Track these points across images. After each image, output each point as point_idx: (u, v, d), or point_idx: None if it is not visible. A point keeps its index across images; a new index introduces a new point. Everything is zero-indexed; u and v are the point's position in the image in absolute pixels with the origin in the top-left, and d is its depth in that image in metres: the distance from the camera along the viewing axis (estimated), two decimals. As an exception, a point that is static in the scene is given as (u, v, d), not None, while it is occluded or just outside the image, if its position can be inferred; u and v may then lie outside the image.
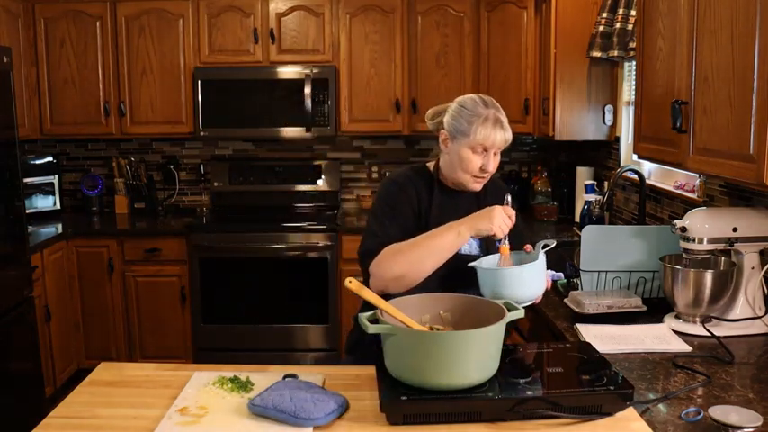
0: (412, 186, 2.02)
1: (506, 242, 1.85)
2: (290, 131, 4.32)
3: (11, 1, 4.03)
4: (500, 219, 1.83)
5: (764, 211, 2.17)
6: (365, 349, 1.95)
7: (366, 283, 1.92)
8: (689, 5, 2.08)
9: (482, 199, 2.05)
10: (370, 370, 1.68)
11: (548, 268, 1.89)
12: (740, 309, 2.13)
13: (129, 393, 1.67)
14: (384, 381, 1.55)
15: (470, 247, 2.03)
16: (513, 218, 1.86)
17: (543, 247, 1.86)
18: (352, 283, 1.64)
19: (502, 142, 1.92)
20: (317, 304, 4.14)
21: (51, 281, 3.88)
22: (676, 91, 2.18)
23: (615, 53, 3.28)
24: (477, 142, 1.90)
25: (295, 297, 4.16)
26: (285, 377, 1.68)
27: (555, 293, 2.58)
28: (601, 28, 3.39)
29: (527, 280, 1.79)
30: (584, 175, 4.01)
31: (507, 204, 1.90)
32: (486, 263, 1.88)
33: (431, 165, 2.09)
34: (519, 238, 2.00)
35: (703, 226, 2.10)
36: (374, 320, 1.59)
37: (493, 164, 1.94)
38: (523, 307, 1.69)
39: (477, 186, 2.00)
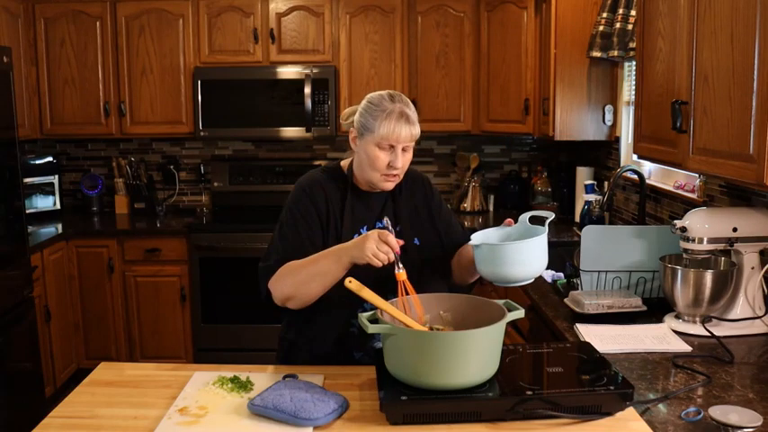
0: (321, 191, 1.92)
1: (399, 268, 1.68)
2: (290, 131, 4.32)
3: (11, 1, 4.03)
4: (372, 247, 1.65)
5: (764, 211, 2.17)
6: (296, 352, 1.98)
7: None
8: (689, 5, 2.08)
9: (398, 198, 1.97)
10: (371, 370, 1.68)
11: (547, 269, 1.89)
12: (740, 309, 2.13)
13: (129, 393, 1.68)
14: (384, 381, 1.55)
15: None
16: (391, 241, 1.66)
17: (533, 221, 1.78)
18: (352, 283, 1.64)
19: (408, 137, 1.82)
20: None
21: (51, 281, 3.88)
22: (676, 91, 2.18)
23: (615, 53, 3.28)
24: (382, 137, 1.81)
25: (295, 297, 4.15)
26: (285, 377, 1.68)
27: (555, 293, 2.58)
28: (601, 28, 3.39)
29: (531, 255, 1.67)
30: (584, 175, 4.01)
31: (387, 226, 1.77)
32: (484, 237, 1.77)
33: (345, 163, 2.00)
34: (452, 237, 1.99)
35: (703, 226, 2.10)
36: (374, 320, 1.59)
37: (401, 160, 1.84)
38: (523, 284, 1.68)
39: (389, 185, 1.89)
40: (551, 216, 1.78)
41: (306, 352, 2.00)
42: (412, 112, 1.86)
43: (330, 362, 1.87)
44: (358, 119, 1.88)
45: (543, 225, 1.74)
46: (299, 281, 1.80)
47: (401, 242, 1.70)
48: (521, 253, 1.67)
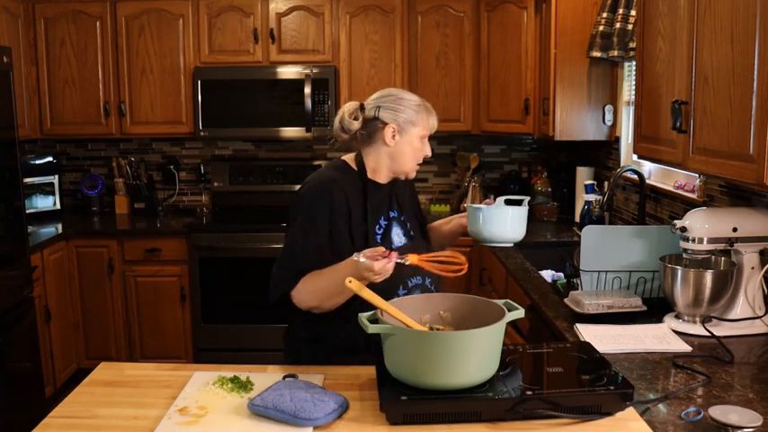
0: (339, 190, 1.93)
1: (405, 259, 1.74)
2: (290, 131, 4.32)
3: (11, 1, 4.03)
4: (372, 272, 1.69)
5: (764, 211, 2.17)
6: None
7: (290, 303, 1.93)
8: (689, 6, 2.08)
9: (396, 187, 2.07)
10: (370, 370, 1.68)
11: (548, 269, 1.93)
12: (740, 309, 2.13)
13: (129, 393, 1.67)
14: (384, 381, 1.55)
15: (399, 237, 2.02)
16: (389, 270, 1.71)
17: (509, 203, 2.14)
18: (352, 283, 1.64)
19: (434, 128, 2.03)
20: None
21: (51, 281, 3.88)
22: (676, 91, 2.18)
23: (615, 53, 3.28)
24: (426, 129, 1.98)
25: (295, 297, 4.15)
26: (285, 377, 1.68)
27: (555, 293, 2.58)
28: (601, 28, 3.39)
29: (511, 221, 2.08)
30: (584, 175, 4.01)
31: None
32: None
33: (349, 159, 2.03)
34: (425, 218, 2.18)
35: (703, 226, 2.10)
36: (374, 320, 1.59)
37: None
38: (502, 246, 2.02)
39: (415, 173, 2.05)
40: (527, 198, 2.18)
41: (329, 346, 1.95)
42: None
43: (359, 355, 1.84)
44: (397, 115, 1.94)
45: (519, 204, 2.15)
46: (324, 295, 1.86)
47: (380, 250, 1.73)
48: (508, 217, 2.08)
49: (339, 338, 1.94)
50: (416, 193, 2.22)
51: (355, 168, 2.00)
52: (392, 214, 2.02)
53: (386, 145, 1.96)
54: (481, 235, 2.09)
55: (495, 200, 2.15)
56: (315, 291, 1.87)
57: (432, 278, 1.98)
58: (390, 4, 4.29)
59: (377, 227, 1.98)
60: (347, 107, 1.98)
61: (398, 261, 1.72)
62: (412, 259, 1.75)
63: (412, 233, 2.06)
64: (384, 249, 1.72)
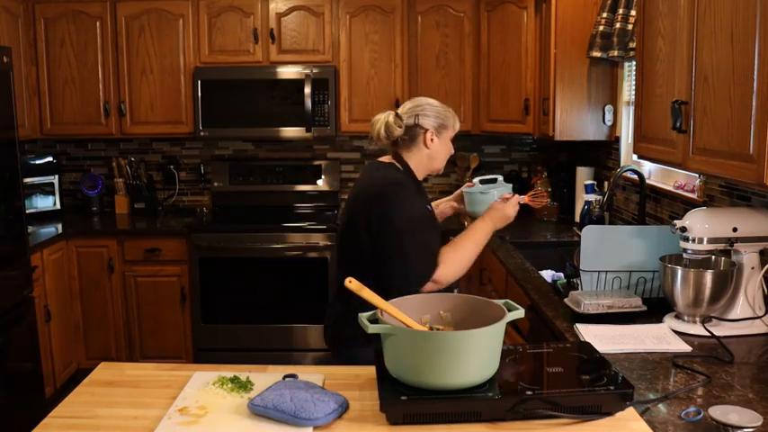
0: (411, 185, 2.29)
1: (522, 198, 2.40)
2: (290, 131, 4.32)
3: (11, 1, 4.03)
4: (508, 214, 2.34)
5: (764, 211, 2.17)
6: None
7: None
8: (689, 6, 2.08)
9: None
10: (370, 370, 1.68)
11: (548, 269, 1.93)
12: (740, 309, 2.13)
13: (129, 393, 1.67)
14: (384, 381, 1.55)
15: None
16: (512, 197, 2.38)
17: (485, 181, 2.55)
18: (352, 283, 1.64)
19: (458, 128, 2.39)
20: (317, 304, 4.13)
21: (51, 281, 3.88)
22: (676, 91, 2.18)
23: (615, 53, 3.28)
24: (454, 131, 2.35)
25: (295, 297, 4.16)
26: (285, 377, 1.68)
27: (555, 293, 2.58)
28: (601, 28, 3.39)
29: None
30: (584, 175, 4.01)
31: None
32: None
33: (388, 160, 2.34)
34: None
35: (703, 226, 2.10)
36: (374, 320, 1.59)
37: None
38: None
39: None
40: (500, 177, 2.58)
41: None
42: None
43: None
44: (434, 122, 2.27)
45: (495, 183, 2.53)
46: (469, 259, 2.27)
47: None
48: (489, 197, 2.43)
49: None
50: None
51: (401, 168, 2.30)
52: (429, 208, 2.37)
53: (426, 147, 2.29)
54: (481, 213, 2.42)
55: (474, 182, 2.56)
56: (460, 259, 2.24)
57: None
58: (390, 4, 4.29)
59: None
60: (389, 117, 2.25)
61: (520, 202, 2.35)
62: (525, 199, 2.41)
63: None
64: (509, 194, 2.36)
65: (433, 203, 2.52)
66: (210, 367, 1.80)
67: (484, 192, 2.46)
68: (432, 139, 2.28)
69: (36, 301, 3.60)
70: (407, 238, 2.15)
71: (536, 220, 4.18)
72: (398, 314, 1.62)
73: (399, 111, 2.28)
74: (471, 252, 2.26)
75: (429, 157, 2.31)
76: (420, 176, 2.34)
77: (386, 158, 2.35)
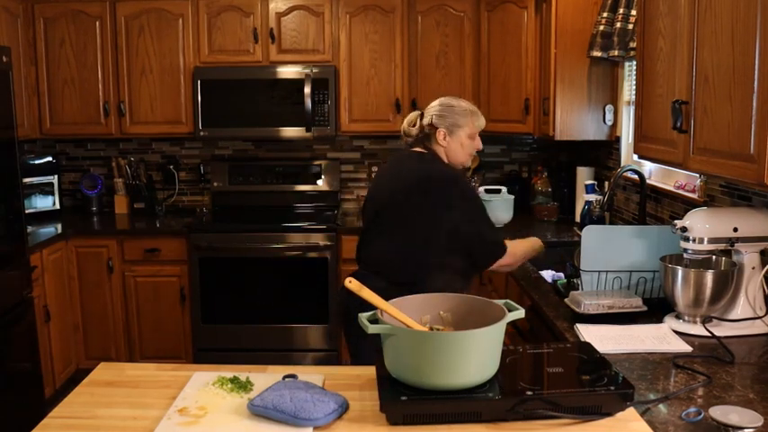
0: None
1: None
2: (290, 131, 4.32)
3: (10, 1, 4.02)
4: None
5: (765, 211, 2.17)
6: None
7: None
8: (689, 5, 2.08)
9: None
10: (371, 370, 1.67)
11: (548, 269, 1.92)
12: (741, 309, 2.12)
13: (129, 394, 1.67)
14: (384, 381, 1.54)
15: None
16: None
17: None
18: (352, 283, 1.64)
19: (482, 125, 2.57)
20: (317, 304, 4.14)
21: (51, 281, 3.88)
22: (677, 91, 2.17)
23: (616, 53, 3.28)
24: (478, 128, 2.53)
25: (295, 297, 4.15)
26: (285, 377, 1.68)
27: (555, 293, 2.58)
28: (601, 27, 3.38)
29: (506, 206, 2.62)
30: (584, 175, 4.01)
31: None
32: None
33: (422, 153, 2.54)
34: None
35: (704, 226, 2.10)
36: (374, 320, 1.58)
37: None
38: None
39: (470, 162, 2.72)
40: (504, 188, 2.67)
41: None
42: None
43: None
44: (443, 121, 2.47)
45: (499, 193, 2.69)
46: (523, 258, 2.59)
47: None
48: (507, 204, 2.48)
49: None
50: None
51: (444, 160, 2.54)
52: None
53: (440, 145, 2.51)
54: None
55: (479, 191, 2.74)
56: (518, 254, 2.52)
57: None
58: (390, 3, 4.28)
59: None
60: (409, 117, 2.55)
61: None
62: None
63: None
64: None
65: None
66: (210, 367, 1.80)
67: (487, 201, 2.57)
68: (444, 137, 2.49)
69: (35, 302, 3.59)
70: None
71: (536, 220, 4.18)
72: (398, 314, 1.62)
73: (425, 110, 2.54)
74: (526, 252, 2.59)
75: (446, 153, 2.52)
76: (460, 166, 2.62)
77: (418, 149, 2.56)
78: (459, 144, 2.51)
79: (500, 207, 2.62)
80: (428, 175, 2.45)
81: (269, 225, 4.17)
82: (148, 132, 4.45)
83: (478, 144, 2.55)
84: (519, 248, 2.55)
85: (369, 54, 4.32)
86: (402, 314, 1.62)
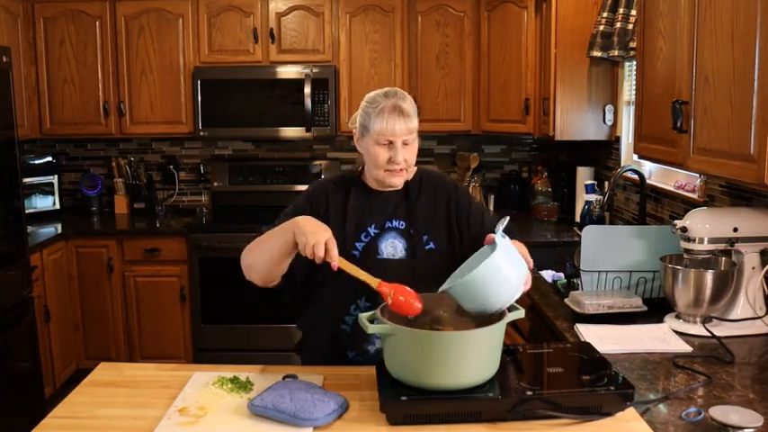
0: (324, 194, 1.94)
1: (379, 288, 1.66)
2: (290, 131, 4.32)
3: (10, 1, 4.02)
4: (309, 240, 1.64)
5: (765, 211, 2.17)
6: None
7: None
8: (689, 5, 2.08)
9: (413, 198, 1.93)
10: (371, 370, 1.67)
11: (548, 269, 1.89)
12: (741, 309, 2.12)
13: (129, 394, 1.67)
14: (384, 381, 1.54)
15: (395, 249, 1.90)
16: (331, 252, 1.64)
17: (492, 231, 1.62)
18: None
19: (403, 131, 1.82)
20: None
21: (51, 281, 3.88)
22: (677, 91, 2.17)
23: (616, 53, 3.28)
24: (379, 133, 1.82)
25: (295, 297, 4.15)
26: (285, 377, 1.68)
27: (555, 293, 2.58)
28: (601, 27, 3.38)
29: (492, 279, 1.53)
30: (584, 175, 4.01)
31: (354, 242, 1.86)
32: (460, 273, 1.67)
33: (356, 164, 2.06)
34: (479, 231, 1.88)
35: (704, 226, 2.10)
36: (374, 321, 1.58)
37: (402, 155, 1.83)
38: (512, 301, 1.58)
39: (396, 180, 1.88)
40: (505, 220, 1.64)
41: (305, 350, 2.04)
42: (408, 104, 1.86)
43: (325, 361, 1.88)
44: (358, 119, 1.91)
45: (502, 233, 1.61)
46: (255, 253, 1.87)
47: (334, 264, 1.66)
48: (478, 283, 1.54)
49: (313, 341, 2.01)
50: (473, 219, 1.96)
51: (356, 169, 2.02)
52: (391, 224, 1.91)
53: (358, 150, 1.93)
54: (479, 309, 1.60)
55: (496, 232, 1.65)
56: (252, 245, 1.90)
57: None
58: (390, 3, 4.28)
59: (362, 234, 1.90)
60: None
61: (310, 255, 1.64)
62: (370, 281, 1.65)
63: (426, 247, 1.89)
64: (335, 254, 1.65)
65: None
66: (210, 367, 1.80)
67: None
68: (357, 140, 1.93)
69: (35, 302, 3.59)
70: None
71: (536, 220, 4.18)
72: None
73: None
74: (255, 245, 1.97)
75: (365, 160, 1.94)
76: (374, 185, 1.95)
77: None
78: (366, 151, 1.89)
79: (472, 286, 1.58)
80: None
81: (269, 225, 4.15)
82: (148, 132, 4.44)
83: (395, 155, 1.83)
84: (249, 249, 1.98)
85: (369, 54, 4.32)
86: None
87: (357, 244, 1.89)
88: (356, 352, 1.90)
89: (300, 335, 2.11)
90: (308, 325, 2.02)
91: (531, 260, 1.76)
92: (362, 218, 1.91)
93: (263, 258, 1.84)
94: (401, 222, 1.92)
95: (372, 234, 1.91)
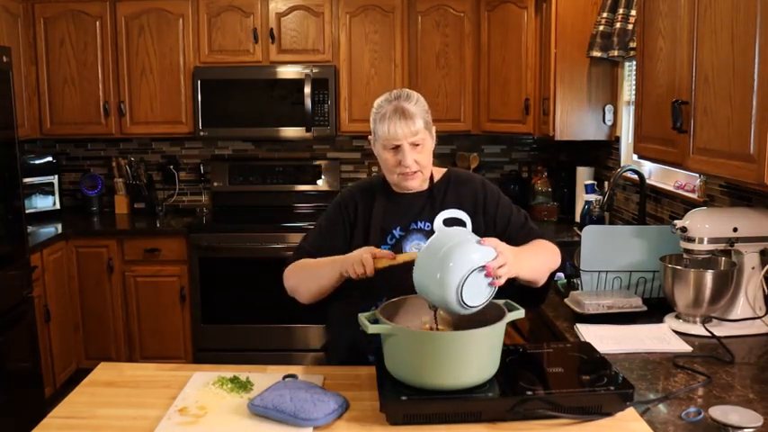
0: (352, 200, 1.99)
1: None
2: (290, 131, 4.32)
3: (10, 1, 4.02)
4: (353, 261, 1.71)
5: (765, 211, 2.17)
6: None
7: None
8: (689, 5, 2.08)
9: (437, 197, 1.95)
10: (371, 370, 1.67)
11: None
12: (740, 309, 2.12)
13: (129, 393, 1.67)
14: (384, 381, 1.55)
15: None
16: (369, 265, 1.67)
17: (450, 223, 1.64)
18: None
19: (407, 134, 1.82)
20: (317, 304, 4.12)
21: (51, 281, 3.88)
22: (677, 91, 2.17)
23: (615, 53, 3.28)
24: (385, 139, 1.84)
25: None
26: (285, 377, 1.68)
27: (555, 293, 2.58)
28: (601, 28, 3.38)
29: (429, 267, 1.51)
30: (584, 175, 4.01)
31: (389, 248, 1.85)
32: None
33: None
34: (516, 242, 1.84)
35: (704, 226, 2.10)
36: (374, 321, 1.58)
37: (410, 157, 1.83)
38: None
39: (412, 183, 1.90)
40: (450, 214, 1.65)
41: (330, 351, 2.07)
42: (412, 105, 1.87)
43: (346, 364, 1.88)
44: (371, 125, 1.93)
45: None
46: (302, 278, 1.94)
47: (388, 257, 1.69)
48: (421, 274, 1.55)
49: (336, 345, 2.04)
50: (502, 217, 1.97)
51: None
52: (416, 225, 1.93)
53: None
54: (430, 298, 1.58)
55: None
56: (298, 271, 1.95)
57: None
58: (390, 3, 4.28)
59: (388, 237, 1.93)
60: None
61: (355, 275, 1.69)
62: (409, 257, 1.66)
63: None
64: (377, 249, 1.72)
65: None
66: (210, 367, 1.80)
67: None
68: (372, 146, 1.94)
69: (36, 301, 3.59)
70: (316, 224, 2.09)
71: (536, 220, 4.18)
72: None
73: None
74: (305, 276, 2.01)
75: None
76: (396, 188, 1.96)
77: None
78: (379, 156, 1.91)
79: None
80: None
81: (269, 225, 4.17)
82: (148, 132, 4.45)
83: (404, 158, 1.83)
84: (292, 273, 2.04)
85: (369, 54, 4.32)
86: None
87: (383, 246, 1.91)
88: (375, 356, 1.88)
89: (327, 335, 2.12)
90: (332, 325, 2.06)
91: (550, 259, 1.90)
92: (388, 220, 1.94)
93: (310, 286, 1.92)
94: (426, 224, 1.93)
95: (398, 236, 1.94)
